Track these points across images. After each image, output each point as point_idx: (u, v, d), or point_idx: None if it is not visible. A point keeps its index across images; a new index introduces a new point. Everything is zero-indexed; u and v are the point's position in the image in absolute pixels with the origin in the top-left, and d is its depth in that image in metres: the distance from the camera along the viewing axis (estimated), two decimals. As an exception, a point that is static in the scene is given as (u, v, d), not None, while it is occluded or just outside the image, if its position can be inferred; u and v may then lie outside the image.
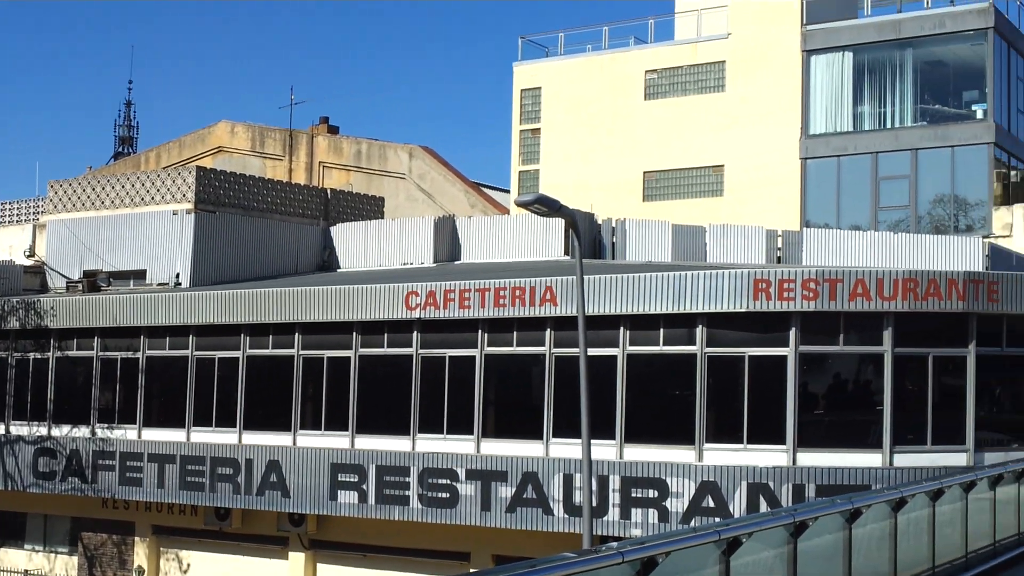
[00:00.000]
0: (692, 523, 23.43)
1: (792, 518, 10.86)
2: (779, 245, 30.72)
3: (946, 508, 15.29)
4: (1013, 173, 41.08)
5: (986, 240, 31.91)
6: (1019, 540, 17.76)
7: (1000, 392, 26.34)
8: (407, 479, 26.52)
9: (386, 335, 27.62)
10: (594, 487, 23.24)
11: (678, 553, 8.41)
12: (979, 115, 39.56)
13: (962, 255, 29.32)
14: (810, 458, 23.76)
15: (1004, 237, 37.53)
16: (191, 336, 29.91)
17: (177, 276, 32.09)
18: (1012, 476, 17.98)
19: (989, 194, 38.88)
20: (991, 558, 16.65)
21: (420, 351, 26.98)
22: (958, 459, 23.82)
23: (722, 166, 42.83)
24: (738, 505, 23.47)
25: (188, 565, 31.14)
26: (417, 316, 26.71)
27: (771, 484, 23.52)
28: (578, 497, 24.04)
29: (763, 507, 23.28)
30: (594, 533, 21.82)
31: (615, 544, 7.85)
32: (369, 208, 39.30)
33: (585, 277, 21.45)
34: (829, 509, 12.03)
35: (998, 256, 30.66)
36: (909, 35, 40.14)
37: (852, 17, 42.42)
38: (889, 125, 40.71)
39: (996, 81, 39.25)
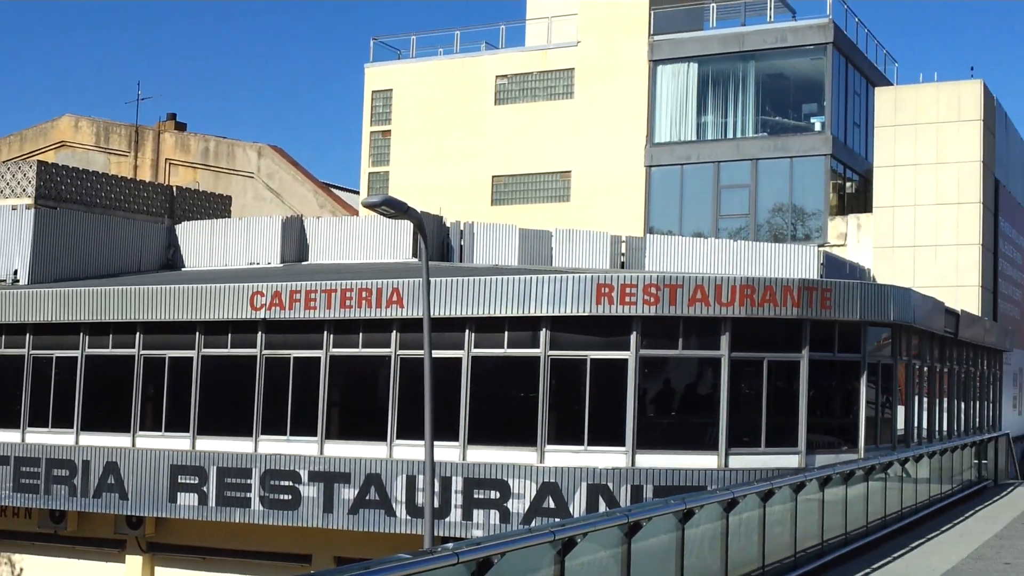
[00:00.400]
0: (533, 524, 23.68)
1: (626, 518, 11.08)
2: (623, 251, 31.27)
3: (776, 508, 15.72)
4: (848, 184, 42.46)
5: (821, 249, 32.98)
6: (845, 540, 18.32)
7: (832, 396, 27.15)
8: (249, 481, 26.25)
9: (230, 335, 27.29)
10: (436, 488, 23.35)
11: (513, 553, 8.54)
12: (817, 127, 40.81)
13: (799, 263, 30.25)
14: (649, 460, 24.17)
15: (839, 246, 38.79)
16: (28, 335, 29.14)
17: (15, 273, 31.19)
18: (840, 478, 18.54)
19: (825, 204, 40.13)
20: (818, 557, 17.13)
21: (264, 352, 26.74)
22: (790, 461, 24.47)
23: (569, 172, 43.38)
24: (578, 506, 23.78)
25: (21, 569, 30.30)
26: (262, 316, 26.46)
27: (610, 485, 23.89)
28: (421, 499, 24.10)
29: (602, 508, 23.59)
30: (436, 534, 21.94)
31: (450, 545, 7.94)
32: (216, 206, 38.81)
33: (432, 279, 21.55)
34: (663, 509, 12.30)
35: (832, 264, 31.69)
36: (752, 48, 41.22)
37: (698, 29, 43.38)
38: (731, 135, 41.74)
39: (834, 95, 40.50)
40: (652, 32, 42.26)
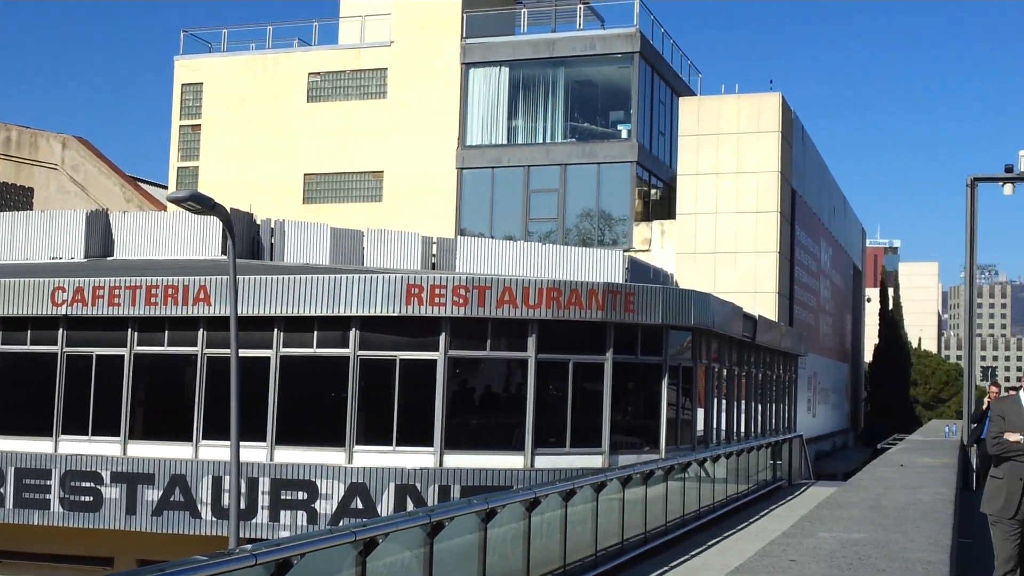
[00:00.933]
0: (341, 525, 23.65)
1: (428, 519, 11.19)
2: (434, 252, 31.45)
3: (578, 508, 16.04)
4: (653, 191, 43.51)
5: (627, 254, 33.75)
6: (644, 538, 18.76)
7: (635, 398, 27.83)
8: (48, 482, 25.54)
9: (29, 332, 26.53)
10: (243, 489, 23.15)
11: (314, 554, 8.58)
12: (624, 135, 41.72)
13: (605, 267, 30.92)
14: (457, 460, 24.42)
15: (644, 252, 39.76)
16: None
17: None
18: (640, 477, 18.97)
19: (631, 210, 41.07)
20: (619, 555, 17.50)
21: (65, 349, 26.09)
22: (595, 461, 25.02)
23: (382, 172, 43.42)
24: (386, 506, 23.85)
25: None
26: (63, 313, 25.79)
27: (418, 486, 24.04)
28: (227, 500, 23.84)
29: (410, 508, 23.77)
30: (242, 536, 21.73)
31: (249, 546, 7.92)
32: (17, 198, 37.65)
33: (240, 278, 21.36)
34: (465, 509, 12.46)
35: (637, 269, 32.48)
36: (562, 55, 41.93)
37: (509, 34, 43.94)
38: (541, 140, 42.36)
39: (640, 103, 41.49)
40: (464, 35, 42.62)
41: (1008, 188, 27.59)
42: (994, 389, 20.02)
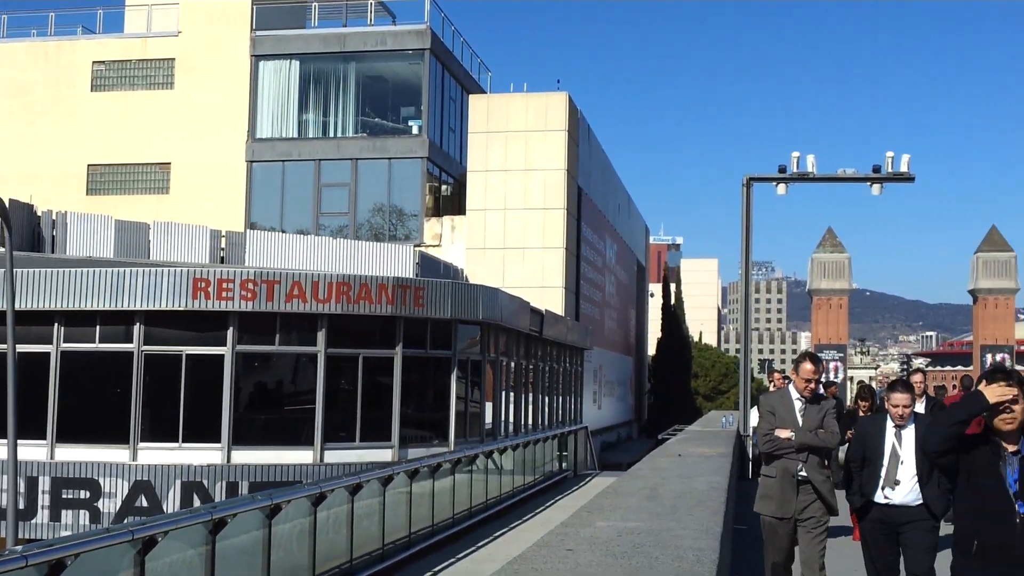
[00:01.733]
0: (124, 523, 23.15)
1: (211, 515, 11.06)
2: (223, 245, 31.06)
3: (365, 502, 16.07)
4: (444, 187, 43.80)
5: (418, 249, 33.95)
6: (432, 531, 18.89)
7: (424, 392, 28.03)
8: None
9: None
10: (22, 489, 22.45)
11: (89, 555, 8.40)
12: (415, 131, 41.88)
13: (396, 262, 31.05)
14: (245, 456, 24.20)
15: (434, 247, 40.00)
16: None
17: None
18: (428, 471, 19.09)
19: (422, 205, 41.27)
20: (406, 548, 17.55)
21: None
22: (384, 455, 25.11)
23: (169, 164, 42.56)
24: (172, 504, 23.47)
25: None
26: None
27: (205, 483, 23.74)
28: (4, 499, 23.08)
29: (196, 505, 23.44)
30: (21, 536, 21.11)
31: (19, 548, 7.71)
32: None
33: (18, 271, 20.71)
34: (249, 506, 12.35)
35: (427, 264, 32.71)
36: (353, 49, 41.82)
37: (300, 27, 43.58)
38: (332, 134, 42.16)
39: (430, 100, 41.70)
40: (254, 27, 42.10)
41: (781, 188, 28.78)
42: (778, 376, 20.31)
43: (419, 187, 41.08)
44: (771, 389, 19.22)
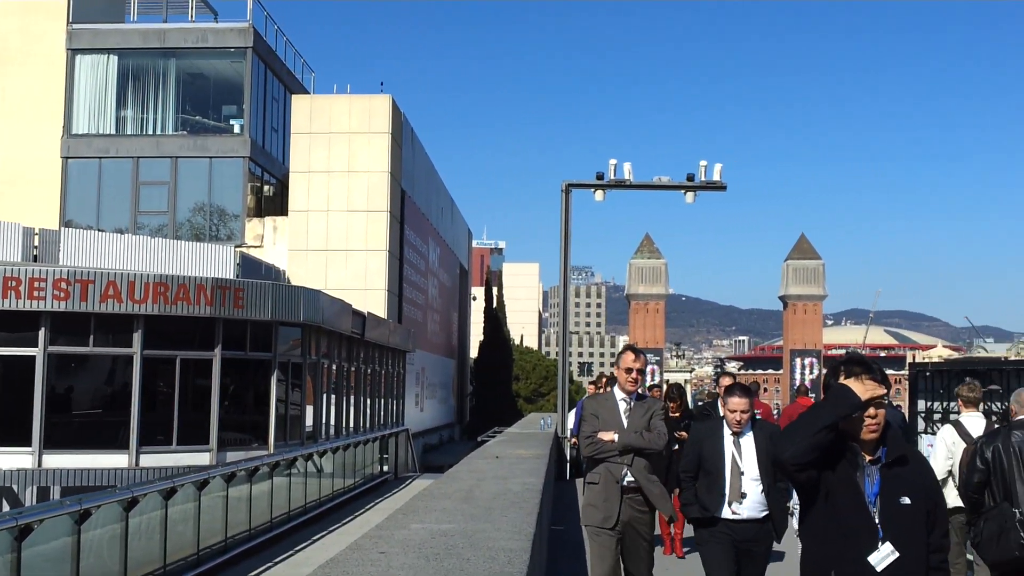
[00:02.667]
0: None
1: (15, 521, 10.75)
2: (36, 243, 30.16)
3: (180, 507, 15.84)
4: (267, 187, 43.32)
5: (239, 249, 33.51)
6: (250, 535, 18.71)
7: (244, 394, 27.73)
8: None
9: None
10: None
11: None
12: (236, 130, 41.31)
13: (216, 262, 30.61)
14: (58, 460, 23.64)
15: (256, 247, 39.55)
16: None
17: None
18: (245, 474, 18.92)
19: (243, 206, 40.72)
20: (222, 553, 17.31)
21: None
22: (202, 458, 24.80)
23: (-20, 159, 41.10)
24: (-22, 511, 22.76)
25: None
26: None
27: (15, 487, 23.11)
28: None
29: (4, 511, 22.75)
30: None
31: None
32: None
33: None
34: (57, 511, 12.05)
35: (249, 265, 32.34)
36: (173, 45, 40.98)
37: (119, 21, 42.55)
38: (151, 131, 41.25)
39: (253, 99, 41.19)
40: (71, 19, 40.92)
41: (599, 194, 29.36)
42: (592, 389, 20.27)
43: (241, 187, 40.52)
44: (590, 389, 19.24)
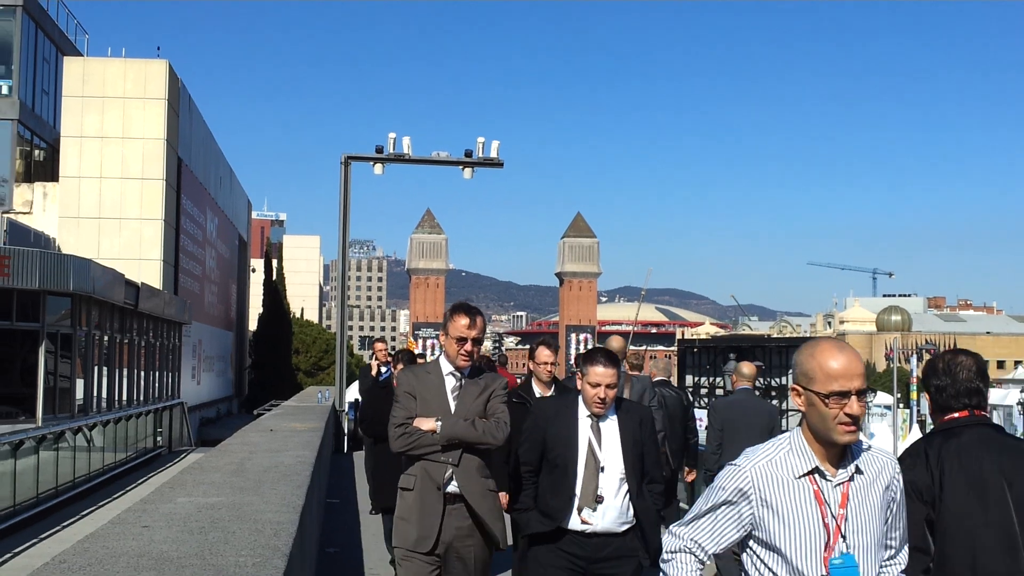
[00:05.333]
0: None
1: None
2: None
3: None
4: (37, 152, 41.78)
5: (6, 216, 32.32)
6: (13, 511, 18.20)
7: (10, 366, 26.87)
8: None
9: None
10: None
11: None
12: (4, 91, 39.67)
13: (-19, 229, 29.44)
14: None
15: (25, 214, 38.13)
16: None
17: None
18: (9, 448, 18.36)
19: (11, 170, 39.19)
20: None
21: None
22: (-35, 433, 23.90)
23: None
24: None
25: None
26: None
27: None
28: None
29: None
30: None
31: None
32: None
33: None
34: None
35: (16, 232, 31.25)
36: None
37: None
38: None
39: (23, 59, 39.63)
40: None
41: (378, 168, 29.42)
42: (380, 346, 16.77)
43: (9, 151, 38.95)
44: (371, 363, 16.25)
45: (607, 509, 6.30)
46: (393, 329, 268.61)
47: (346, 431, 25.88)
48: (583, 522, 6.29)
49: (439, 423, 6.52)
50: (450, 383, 6.68)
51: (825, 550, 3.50)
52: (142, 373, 36.16)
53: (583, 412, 6.45)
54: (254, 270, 75.55)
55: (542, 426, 6.59)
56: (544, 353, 8.62)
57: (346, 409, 25.94)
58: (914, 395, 37.86)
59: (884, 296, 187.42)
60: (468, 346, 6.66)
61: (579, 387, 6.54)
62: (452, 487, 6.53)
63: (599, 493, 6.29)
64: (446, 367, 6.73)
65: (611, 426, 6.43)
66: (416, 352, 9.17)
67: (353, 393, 25.06)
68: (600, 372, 6.36)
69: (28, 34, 40.09)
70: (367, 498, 15.18)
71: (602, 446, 6.37)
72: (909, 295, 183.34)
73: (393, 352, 9.68)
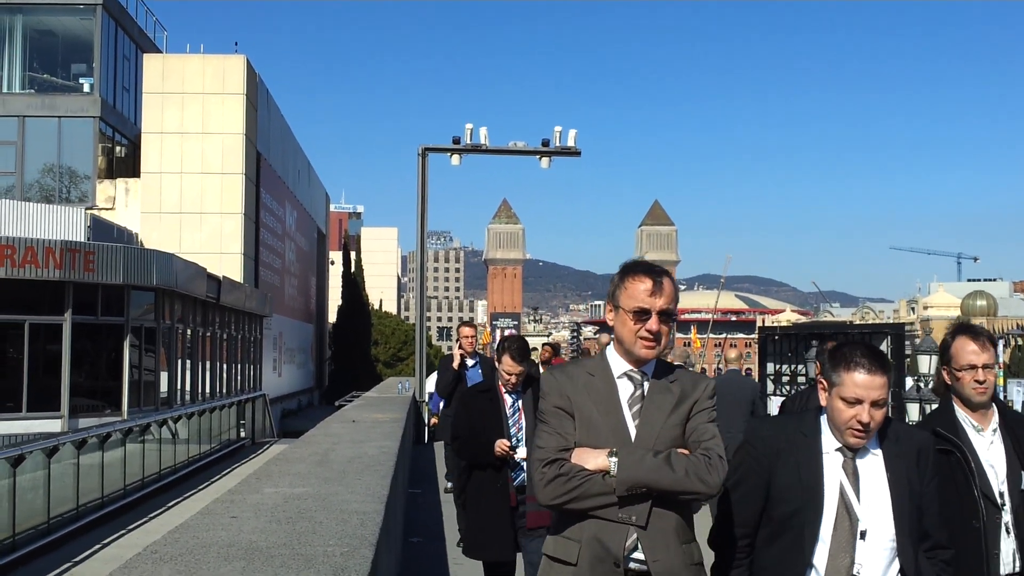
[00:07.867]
0: None
1: None
2: None
3: (29, 475, 15.51)
4: (119, 148, 42.36)
5: (89, 212, 32.81)
6: (102, 503, 18.43)
7: (96, 359, 27.25)
8: None
9: None
10: None
11: None
12: (86, 88, 40.26)
13: (66, 225, 29.96)
14: (-97, 429, 22.99)
15: (107, 210, 38.70)
16: None
17: None
18: (97, 441, 18.64)
19: (94, 167, 39.79)
20: (74, 521, 17.04)
21: None
22: (54, 425, 24.36)
23: None
24: None
25: None
26: None
27: None
28: None
29: None
30: None
31: None
32: None
33: None
34: None
35: (100, 228, 31.70)
36: (19, 1, 39.71)
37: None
38: (-1, 90, 40.02)
39: (103, 57, 40.19)
40: (-89, -27, 39.35)
41: (455, 159, 29.41)
42: (467, 331, 13.89)
43: (91, 148, 39.56)
44: (454, 353, 13.66)
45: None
46: (471, 320, 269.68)
47: (426, 423, 25.92)
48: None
49: (613, 460, 3.91)
50: (626, 390, 4.10)
51: None
52: (224, 366, 36.55)
53: (829, 443, 4.04)
54: (333, 263, 76.10)
55: (765, 465, 4.07)
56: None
57: (427, 400, 25.99)
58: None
59: (969, 280, 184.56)
60: (653, 324, 4.06)
61: (823, 403, 4.09)
62: (636, 560, 3.93)
63: (855, 572, 3.91)
64: (618, 365, 4.15)
65: (873, 465, 4.02)
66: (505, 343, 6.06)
67: (431, 386, 25.07)
68: (863, 381, 3.92)
69: (108, 32, 40.64)
70: (446, 482, 15.16)
71: (860, 497, 3.96)
72: (994, 279, 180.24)
73: (498, 342, 7.53)
